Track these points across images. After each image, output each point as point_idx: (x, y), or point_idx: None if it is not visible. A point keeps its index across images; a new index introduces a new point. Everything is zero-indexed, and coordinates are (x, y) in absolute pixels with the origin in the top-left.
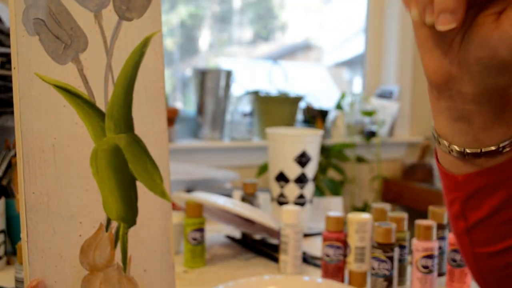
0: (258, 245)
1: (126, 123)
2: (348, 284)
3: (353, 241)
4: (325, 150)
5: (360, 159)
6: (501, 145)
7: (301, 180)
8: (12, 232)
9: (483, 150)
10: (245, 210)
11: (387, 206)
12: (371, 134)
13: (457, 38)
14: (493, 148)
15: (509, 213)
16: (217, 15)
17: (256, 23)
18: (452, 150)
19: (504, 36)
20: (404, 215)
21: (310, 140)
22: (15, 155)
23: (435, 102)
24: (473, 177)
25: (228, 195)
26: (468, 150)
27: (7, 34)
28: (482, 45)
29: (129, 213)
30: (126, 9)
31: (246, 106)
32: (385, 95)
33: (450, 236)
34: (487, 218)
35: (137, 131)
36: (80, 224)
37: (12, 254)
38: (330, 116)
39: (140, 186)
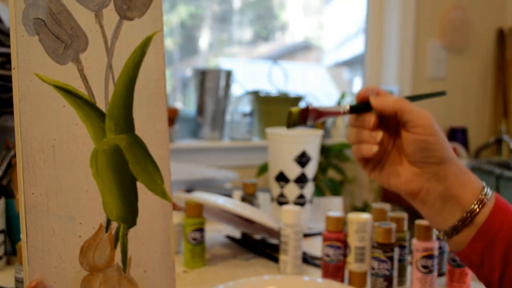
0: (258, 245)
1: (127, 124)
2: (348, 284)
3: (353, 241)
4: (325, 150)
5: None
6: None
7: (301, 180)
8: (12, 232)
9: (469, 214)
10: (245, 210)
11: (387, 206)
12: None
13: (401, 151)
14: (472, 206)
15: None
16: (217, 15)
17: (256, 23)
18: (451, 232)
19: (420, 128)
20: (404, 215)
21: (310, 140)
22: (15, 155)
23: (423, 209)
24: (473, 243)
25: (228, 195)
26: (458, 221)
27: (7, 34)
28: (412, 138)
29: (129, 213)
30: (127, 8)
31: (246, 106)
32: None
33: None
34: (503, 274)
35: (138, 131)
36: (80, 224)
37: (12, 254)
38: None
39: (140, 187)
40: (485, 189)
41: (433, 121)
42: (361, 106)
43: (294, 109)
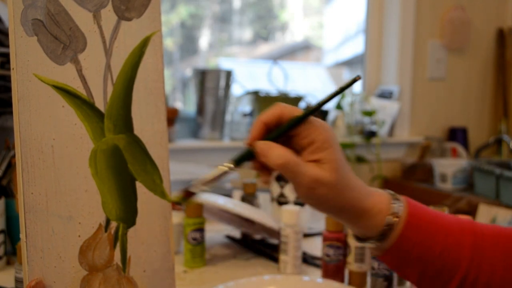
0: (258, 245)
1: (126, 123)
2: (348, 284)
3: (353, 241)
4: None
5: (360, 159)
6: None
7: None
8: (12, 232)
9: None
10: (245, 210)
11: None
12: (371, 134)
13: None
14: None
15: None
16: (217, 15)
17: (256, 23)
18: (363, 240)
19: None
20: None
21: None
22: (15, 155)
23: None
24: (383, 258)
25: (228, 195)
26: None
27: (7, 34)
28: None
29: (128, 213)
30: (126, 9)
31: (246, 106)
32: (385, 95)
33: None
34: (422, 275)
35: (137, 131)
36: (79, 224)
37: (12, 254)
38: (330, 116)
39: (139, 187)
40: (393, 201)
41: (323, 180)
42: (246, 156)
43: (175, 197)
